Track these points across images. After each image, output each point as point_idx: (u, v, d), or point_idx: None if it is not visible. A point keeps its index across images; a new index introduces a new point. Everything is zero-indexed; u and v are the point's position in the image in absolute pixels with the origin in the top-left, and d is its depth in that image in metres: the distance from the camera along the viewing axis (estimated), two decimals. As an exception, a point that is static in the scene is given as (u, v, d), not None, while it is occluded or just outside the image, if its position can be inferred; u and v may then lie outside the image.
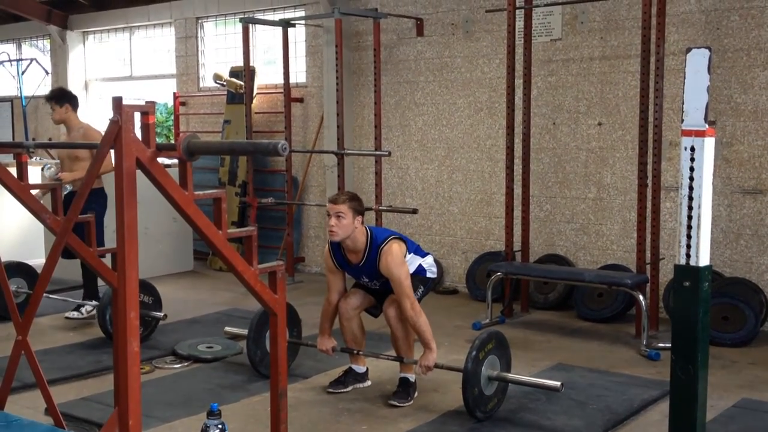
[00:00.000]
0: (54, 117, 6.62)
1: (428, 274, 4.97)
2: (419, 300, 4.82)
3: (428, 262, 4.98)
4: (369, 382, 5.14)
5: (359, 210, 4.74)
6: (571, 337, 6.31)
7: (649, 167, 6.22)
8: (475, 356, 4.41)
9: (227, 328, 6.08)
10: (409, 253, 4.84)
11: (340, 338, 5.09)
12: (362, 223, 4.76)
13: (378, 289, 4.94)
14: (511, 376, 4.64)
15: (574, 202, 7.34)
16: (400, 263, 4.69)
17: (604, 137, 7.14)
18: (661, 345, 5.81)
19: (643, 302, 5.91)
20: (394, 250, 4.70)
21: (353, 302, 4.98)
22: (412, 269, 4.80)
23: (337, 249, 4.86)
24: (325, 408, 4.72)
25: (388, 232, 4.88)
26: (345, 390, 5.02)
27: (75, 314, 6.73)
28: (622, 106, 7.01)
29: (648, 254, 6.25)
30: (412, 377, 4.90)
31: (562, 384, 4.47)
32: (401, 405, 4.74)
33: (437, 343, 4.97)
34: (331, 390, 5.01)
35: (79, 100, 6.78)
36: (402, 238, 4.85)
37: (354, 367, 5.11)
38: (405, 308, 4.65)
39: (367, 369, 5.16)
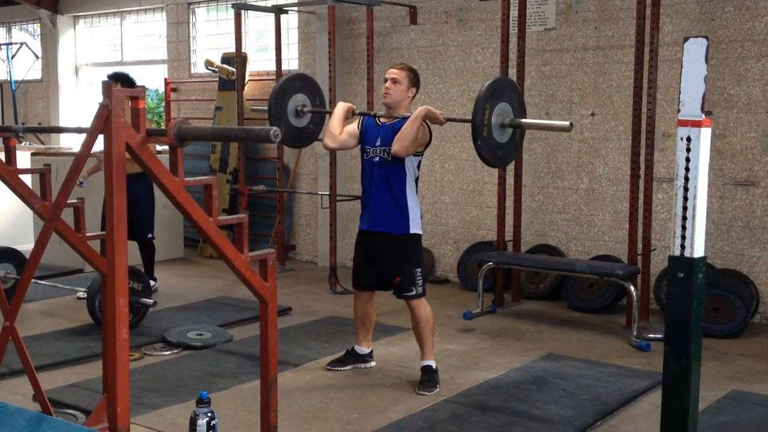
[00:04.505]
0: None
1: (418, 230, 4.89)
2: (423, 287, 4.83)
3: (416, 212, 4.87)
4: (374, 363, 5.16)
5: (415, 82, 4.87)
6: (561, 328, 6.31)
7: (642, 158, 6.21)
8: (482, 104, 4.37)
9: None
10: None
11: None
12: (412, 99, 4.88)
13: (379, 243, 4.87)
14: (524, 121, 4.60)
15: (566, 192, 7.33)
16: (421, 131, 4.70)
17: (597, 128, 7.13)
18: (651, 336, 5.82)
19: (634, 293, 5.91)
20: (424, 127, 4.73)
21: (365, 294, 5.04)
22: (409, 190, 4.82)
23: (371, 116, 4.96)
24: (316, 396, 4.70)
25: None
26: (344, 369, 5.05)
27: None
28: (616, 97, 6.99)
29: (640, 245, 6.25)
30: (433, 364, 4.88)
31: (571, 123, 4.50)
32: (429, 393, 4.72)
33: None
34: (329, 367, 5.07)
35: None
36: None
37: (357, 348, 5.12)
38: (397, 144, 4.65)
39: (372, 351, 5.16)
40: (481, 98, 4.36)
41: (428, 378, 4.82)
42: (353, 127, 4.98)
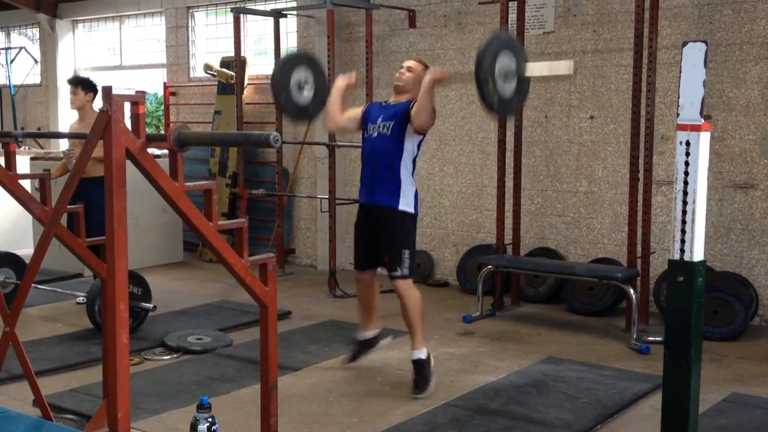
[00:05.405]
0: (75, 101, 6.67)
1: (409, 209, 4.89)
2: (410, 270, 4.80)
3: (409, 190, 4.89)
4: (391, 337, 5.31)
5: None
6: (561, 331, 6.31)
7: (641, 161, 6.21)
8: (486, 50, 4.26)
9: None
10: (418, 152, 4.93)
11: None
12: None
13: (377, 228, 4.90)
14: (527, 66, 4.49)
15: (565, 195, 7.33)
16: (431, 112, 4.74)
17: (595, 131, 7.13)
18: (651, 339, 5.82)
19: (633, 296, 5.91)
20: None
21: (365, 276, 5.05)
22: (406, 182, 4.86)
23: (375, 102, 5.08)
24: (316, 400, 4.70)
25: None
26: (365, 357, 5.20)
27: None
28: (614, 100, 7.00)
29: (639, 248, 6.25)
30: (424, 354, 4.85)
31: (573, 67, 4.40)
32: (425, 393, 4.73)
33: (427, 336, 5.00)
34: (348, 365, 5.20)
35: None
36: None
37: (361, 336, 5.20)
38: (417, 119, 4.70)
39: (380, 333, 5.24)
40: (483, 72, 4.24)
41: (420, 377, 4.81)
42: (356, 111, 5.08)
